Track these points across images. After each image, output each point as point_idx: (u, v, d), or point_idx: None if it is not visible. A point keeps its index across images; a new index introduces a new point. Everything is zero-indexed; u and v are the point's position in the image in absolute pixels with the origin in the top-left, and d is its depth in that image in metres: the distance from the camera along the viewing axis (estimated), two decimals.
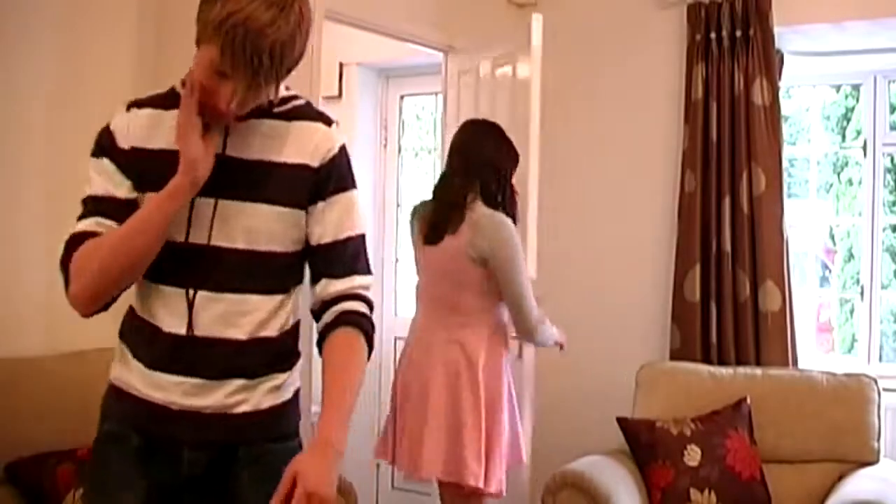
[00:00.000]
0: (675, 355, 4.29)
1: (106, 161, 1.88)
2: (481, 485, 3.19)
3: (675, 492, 3.61)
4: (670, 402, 3.95)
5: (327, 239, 1.93)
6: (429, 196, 3.46)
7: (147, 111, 1.91)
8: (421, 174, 5.38)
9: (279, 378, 1.96)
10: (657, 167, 4.53)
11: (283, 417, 1.99)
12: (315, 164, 1.92)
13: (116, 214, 1.85)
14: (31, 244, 3.25)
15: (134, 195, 1.88)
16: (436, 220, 3.34)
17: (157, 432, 1.90)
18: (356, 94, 4.99)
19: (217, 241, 1.87)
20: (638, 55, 4.58)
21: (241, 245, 1.88)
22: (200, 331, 1.87)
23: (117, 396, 1.94)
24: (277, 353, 1.96)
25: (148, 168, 1.87)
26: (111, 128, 1.91)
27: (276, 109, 1.92)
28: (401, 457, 3.31)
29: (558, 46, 4.74)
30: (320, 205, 1.92)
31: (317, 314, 1.95)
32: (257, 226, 1.88)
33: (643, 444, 3.74)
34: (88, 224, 1.87)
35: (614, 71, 4.63)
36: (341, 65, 4.96)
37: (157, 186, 1.84)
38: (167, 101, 1.91)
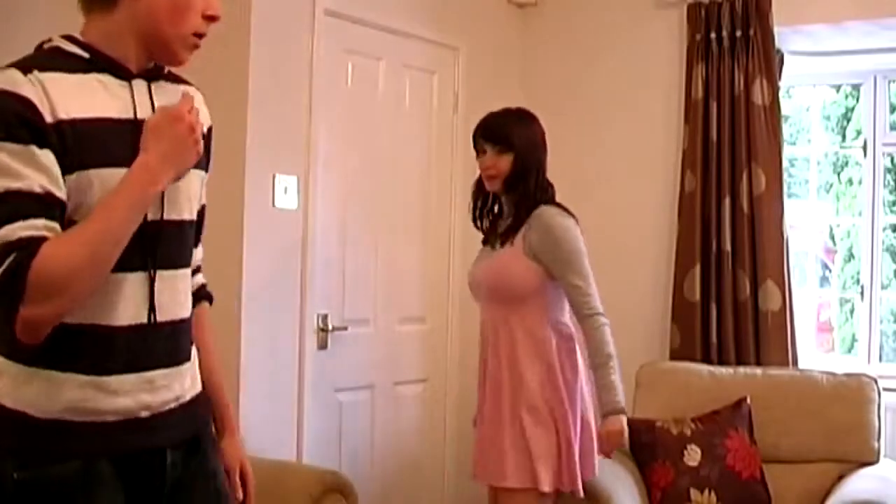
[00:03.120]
0: (675, 355, 4.29)
1: (36, 149, 1.54)
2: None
3: (675, 492, 3.62)
4: (670, 402, 3.95)
5: (203, 202, 1.91)
6: None
7: (61, 75, 1.61)
8: None
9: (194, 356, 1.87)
10: (657, 167, 4.53)
11: (207, 398, 1.91)
12: (207, 126, 1.88)
13: (60, 219, 1.57)
14: None
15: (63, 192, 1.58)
16: None
17: (135, 446, 1.70)
18: None
19: (169, 215, 1.73)
20: (638, 55, 4.58)
21: (186, 216, 1.78)
22: (162, 315, 1.71)
23: (74, 429, 1.63)
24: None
25: (81, 140, 1.59)
26: (22, 95, 1.55)
27: (166, 72, 1.81)
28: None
29: (558, 46, 4.75)
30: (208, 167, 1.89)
31: None
32: (193, 193, 1.80)
33: (643, 444, 3.74)
34: (37, 228, 1.53)
35: (614, 71, 4.64)
36: None
37: (90, 162, 1.60)
38: (70, 63, 1.65)
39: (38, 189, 1.54)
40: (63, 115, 1.58)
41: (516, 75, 4.82)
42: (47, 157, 1.55)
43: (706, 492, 3.60)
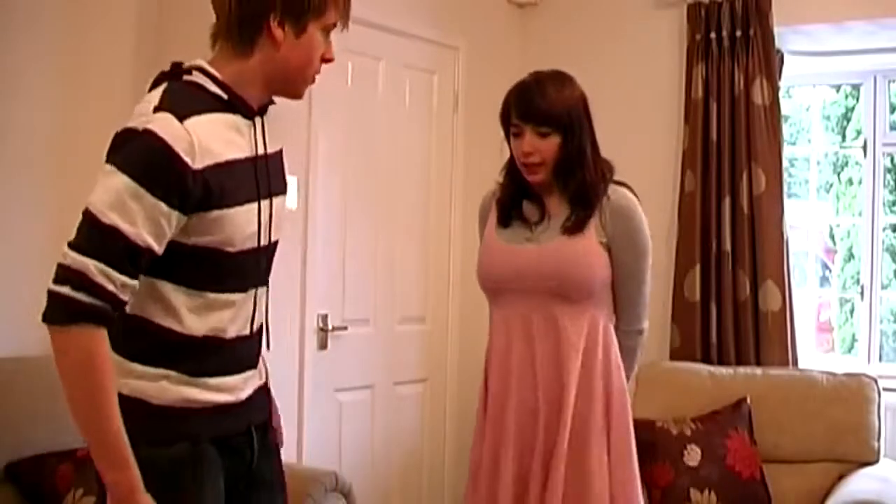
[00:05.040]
0: (675, 355, 4.29)
1: (164, 206, 1.69)
2: None
3: (675, 492, 3.62)
4: (670, 402, 3.95)
5: None
6: None
7: (203, 118, 1.76)
8: None
9: None
10: (657, 167, 4.52)
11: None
12: (281, 146, 2.04)
13: (141, 271, 1.72)
14: (31, 244, 3.25)
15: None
16: None
17: (231, 430, 1.92)
18: None
19: (274, 237, 1.95)
20: (638, 55, 4.58)
21: (277, 237, 1.97)
22: (255, 325, 1.95)
23: (184, 416, 1.83)
24: None
25: (220, 183, 1.76)
26: (173, 147, 1.69)
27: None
28: None
29: (558, 46, 4.75)
30: None
31: None
32: (283, 215, 2.00)
33: (643, 444, 3.70)
34: (115, 285, 1.67)
35: (614, 71, 4.63)
36: None
37: (226, 203, 1.77)
38: (211, 103, 1.81)
39: (140, 241, 1.68)
40: (208, 162, 1.74)
41: (516, 75, 4.76)
42: (169, 215, 1.70)
43: (706, 492, 3.60)
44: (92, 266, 1.65)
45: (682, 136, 4.37)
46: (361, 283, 4.06)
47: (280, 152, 2.01)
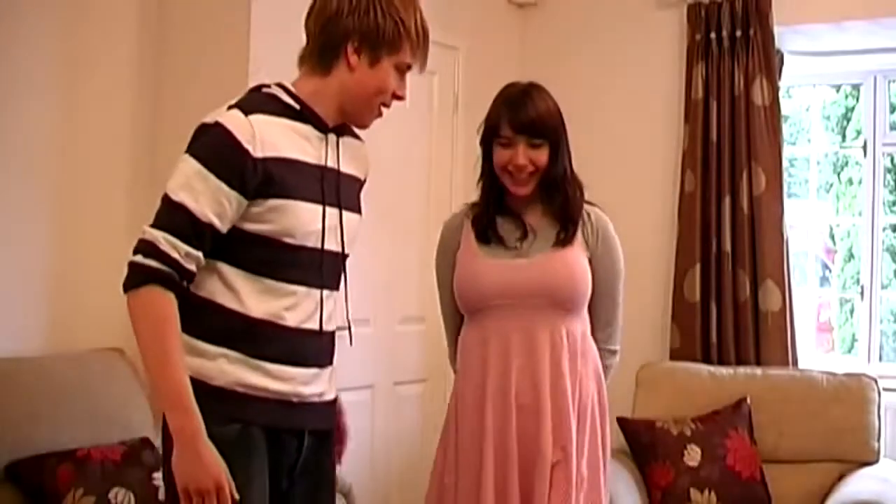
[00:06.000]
0: (675, 355, 4.29)
1: (225, 187, 1.92)
2: None
3: (675, 492, 3.62)
4: (670, 402, 3.95)
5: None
6: None
7: (271, 118, 1.99)
8: None
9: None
10: (657, 167, 4.53)
11: (337, 407, 2.26)
12: (363, 177, 2.24)
13: (205, 246, 1.93)
14: (32, 244, 3.25)
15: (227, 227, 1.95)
16: None
17: (284, 423, 2.03)
18: None
19: (347, 250, 2.12)
20: (638, 55, 4.58)
21: (349, 251, 2.14)
22: (325, 325, 2.08)
23: (239, 399, 1.98)
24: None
25: (282, 175, 1.96)
26: (235, 135, 1.93)
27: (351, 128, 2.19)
28: None
29: (558, 46, 4.75)
30: None
31: None
32: (356, 234, 2.17)
33: (643, 444, 3.74)
34: (180, 254, 1.90)
35: (614, 71, 4.63)
36: None
37: (287, 193, 1.96)
38: (282, 110, 2.02)
39: (203, 218, 1.91)
40: (270, 153, 1.95)
41: (516, 75, 4.77)
42: (229, 196, 1.92)
43: (706, 492, 3.60)
44: (160, 237, 1.89)
45: (682, 136, 4.37)
46: (361, 283, 4.05)
47: (357, 179, 2.19)
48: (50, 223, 3.27)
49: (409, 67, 2.09)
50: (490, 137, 2.61)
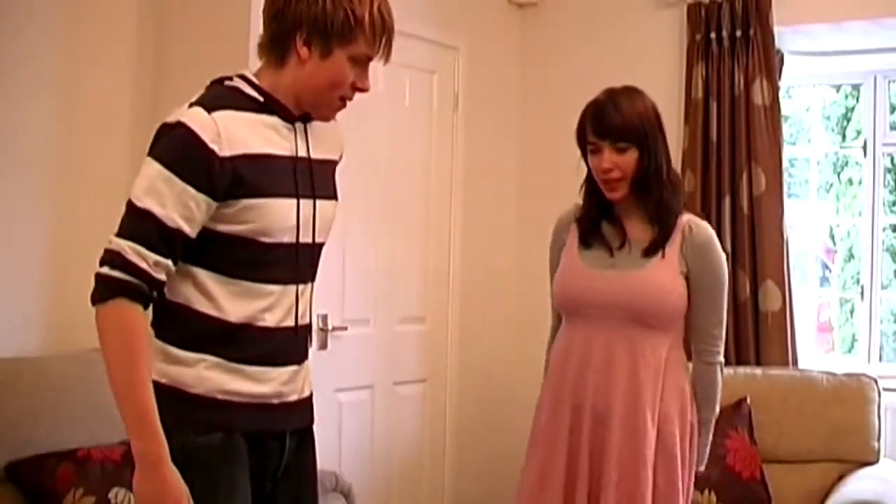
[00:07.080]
0: None
1: (192, 190, 1.83)
2: None
3: None
4: None
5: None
6: None
7: (235, 114, 1.90)
8: None
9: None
10: None
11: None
12: (337, 157, 2.17)
13: (175, 253, 1.85)
14: (33, 244, 3.25)
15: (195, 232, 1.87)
16: None
17: (266, 427, 1.99)
18: None
19: (319, 239, 2.06)
20: (638, 55, 4.57)
21: (323, 239, 2.09)
22: (300, 321, 2.03)
23: (220, 407, 1.92)
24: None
25: (252, 173, 1.89)
26: (199, 135, 1.84)
27: None
28: None
29: (558, 46, 4.75)
30: None
31: None
32: (331, 220, 2.11)
33: None
34: (148, 264, 1.82)
35: (614, 71, 4.59)
36: None
37: (259, 192, 1.89)
38: (246, 104, 1.94)
39: (170, 223, 1.82)
40: (238, 151, 1.87)
41: (516, 75, 4.82)
42: (197, 199, 1.83)
43: (706, 492, 3.60)
44: (126, 246, 1.81)
45: (682, 136, 4.37)
46: (361, 283, 4.06)
47: (331, 161, 2.12)
48: (50, 223, 3.27)
49: (369, 58, 2.00)
50: (582, 144, 2.64)
